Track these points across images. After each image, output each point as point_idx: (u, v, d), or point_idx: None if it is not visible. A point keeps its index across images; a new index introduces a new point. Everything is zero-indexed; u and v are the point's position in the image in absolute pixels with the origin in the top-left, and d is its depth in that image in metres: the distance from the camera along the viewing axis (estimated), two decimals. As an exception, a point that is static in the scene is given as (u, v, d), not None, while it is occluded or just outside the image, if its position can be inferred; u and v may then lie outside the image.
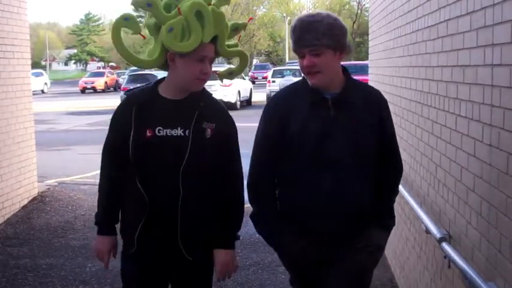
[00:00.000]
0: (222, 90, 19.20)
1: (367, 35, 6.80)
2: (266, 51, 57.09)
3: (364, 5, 47.75)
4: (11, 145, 6.44)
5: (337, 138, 2.30)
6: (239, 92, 20.87)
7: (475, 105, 2.42)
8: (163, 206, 2.24)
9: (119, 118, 2.34)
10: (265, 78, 30.54)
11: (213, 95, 2.42)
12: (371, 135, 2.35)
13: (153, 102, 2.28)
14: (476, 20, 2.39)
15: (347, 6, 53.85)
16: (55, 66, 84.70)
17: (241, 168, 2.37)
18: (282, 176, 2.41)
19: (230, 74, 2.48)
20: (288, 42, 44.58)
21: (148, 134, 2.24)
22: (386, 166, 2.45)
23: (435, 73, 3.17)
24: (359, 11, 49.24)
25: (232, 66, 2.43)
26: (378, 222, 2.43)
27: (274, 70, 25.90)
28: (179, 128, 2.25)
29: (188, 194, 2.23)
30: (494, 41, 2.18)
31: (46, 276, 4.77)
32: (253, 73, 39.13)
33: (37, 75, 34.94)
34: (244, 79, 23.31)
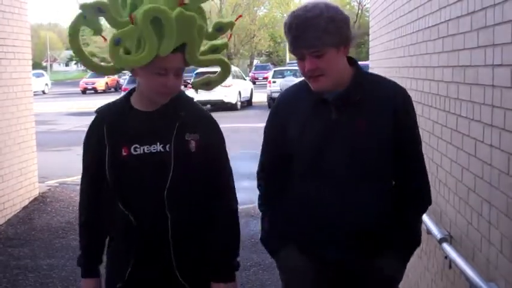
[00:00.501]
0: (222, 91, 19.20)
1: (368, 35, 6.79)
2: (267, 52, 57.09)
3: (364, 5, 47.78)
4: (11, 146, 6.45)
5: (337, 145, 1.99)
6: (240, 92, 20.87)
7: (476, 106, 2.42)
8: (152, 231, 1.97)
9: (92, 139, 2.07)
10: (265, 78, 30.53)
11: (195, 100, 2.12)
12: (383, 142, 1.97)
13: (126, 117, 2.01)
14: (477, 20, 2.39)
15: (347, 6, 53.84)
16: (56, 67, 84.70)
17: (232, 180, 2.11)
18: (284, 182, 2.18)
19: (207, 85, 2.10)
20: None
21: (123, 153, 1.97)
22: (406, 178, 2.07)
23: (436, 73, 3.16)
24: (360, 11, 49.25)
25: (211, 75, 2.10)
26: (394, 247, 2.06)
27: (274, 71, 25.89)
28: (158, 144, 1.96)
29: (178, 218, 1.96)
30: (495, 41, 2.18)
31: (47, 277, 4.77)
32: (254, 73, 39.13)
33: (38, 76, 34.93)
34: (245, 79, 23.31)
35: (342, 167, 1.98)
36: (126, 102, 2.05)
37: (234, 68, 23.09)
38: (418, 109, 3.68)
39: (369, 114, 1.97)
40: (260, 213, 2.30)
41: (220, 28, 2.01)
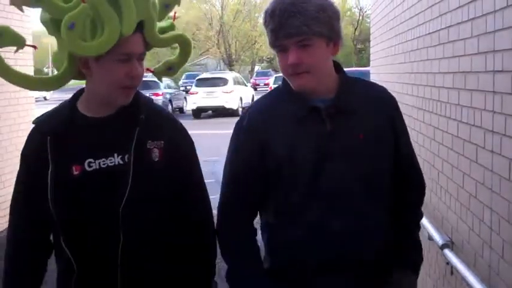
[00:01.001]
0: (224, 97, 19.23)
1: (369, 41, 6.81)
2: (268, 58, 57.16)
3: (365, 11, 47.88)
4: (13, 151, 6.45)
5: (337, 160, 1.68)
6: (241, 98, 20.90)
7: (477, 112, 2.42)
8: (98, 265, 1.63)
9: (30, 157, 1.67)
10: (266, 84, 30.60)
11: (154, 101, 1.80)
12: (384, 148, 1.75)
13: (74, 127, 1.64)
14: (478, 27, 2.39)
15: (348, 12, 53.93)
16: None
17: (206, 191, 1.77)
18: (268, 220, 1.79)
19: (169, 69, 1.78)
20: (289, 49, 44.65)
21: (75, 171, 1.60)
22: (404, 183, 1.85)
23: (437, 79, 3.17)
24: (360, 18, 49.36)
25: (170, 59, 1.79)
26: (402, 262, 1.84)
27: (276, 77, 25.97)
28: (116, 155, 1.61)
29: (131, 239, 1.60)
30: (495, 47, 2.18)
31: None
32: (255, 80, 39.19)
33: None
34: (246, 86, 23.35)
35: (345, 183, 1.68)
36: (72, 109, 1.68)
37: (235, 74, 23.16)
38: (419, 115, 3.68)
39: (365, 122, 1.72)
40: None
41: (168, 4, 1.71)
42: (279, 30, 1.63)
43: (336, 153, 1.68)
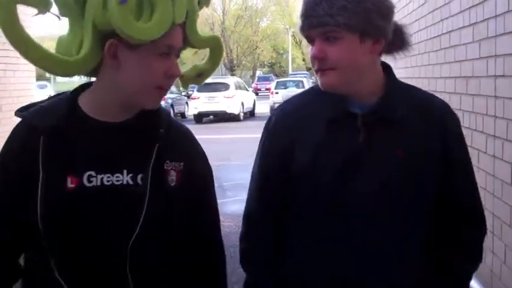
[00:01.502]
0: (225, 102, 19.26)
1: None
2: (269, 63, 57.27)
3: (367, 16, 47.89)
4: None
5: (367, 177, 1.41)
6: (242, 103, 20.91)
7: (479, 116, 2.42)
8: None
9: (15, 159, 1.28)
10: (268, 89, 30.64)
11: (198, 111, 1.44)
12: (427, 172, 1.43)
13: (75, 128, 1.30)
14: (479, 32, 2.39)
15: (350, 17, 54.04)
16: (59, 78, 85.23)
17: (217, 212, 1.54)
18: (284, 233, 1.57)
19: (199, 77, 1.51)
20: (291, 54, 44.79)
21: (70, 184, 1.26)
22: (456, 221, 1.49)
23: (438, 84, 3.17)
24: (362, 23, 49.46)
25: (198, 64, 1.53)
26: None
27: (277, 82, 25.97)
28: (125, 172, 1.30)
29: (140, 276, 1.31)
30: (497, 52, 2.18)
31: None
32: (257, 84, 39.25)
33: (42, 87, 35.01)
34: (248, 90, 23.38)
35: (376, 205, 1.41)
36: (72, 107, 1.32)
37: (236, 79, 23.20)
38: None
39: (408, 139, 1.42)
40: None
41: (199, 2, 1.41)
42: (305, 19, 1.42)
43: (365, 169, 1.41)
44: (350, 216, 1.41)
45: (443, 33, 3.01)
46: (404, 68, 4.30)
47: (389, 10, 1.43)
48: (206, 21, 44.89)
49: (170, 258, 1.39)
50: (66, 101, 1.33)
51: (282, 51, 55.31)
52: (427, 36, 3.45)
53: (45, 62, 1.27)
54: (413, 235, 1.44)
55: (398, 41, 1.50)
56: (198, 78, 1.51)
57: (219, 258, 1.53)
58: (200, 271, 1.48)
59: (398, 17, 3.72)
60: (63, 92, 1.39)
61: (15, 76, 6.60)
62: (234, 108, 20.21)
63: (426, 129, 1.43)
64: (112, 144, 1.31)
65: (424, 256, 1.46)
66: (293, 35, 39.99)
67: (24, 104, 1.42)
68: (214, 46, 1.47)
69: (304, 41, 1.56)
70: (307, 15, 1.40)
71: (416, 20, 3.78)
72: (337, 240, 1.43)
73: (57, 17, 1.33)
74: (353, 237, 1.42)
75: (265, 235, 1.58)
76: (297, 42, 43.46)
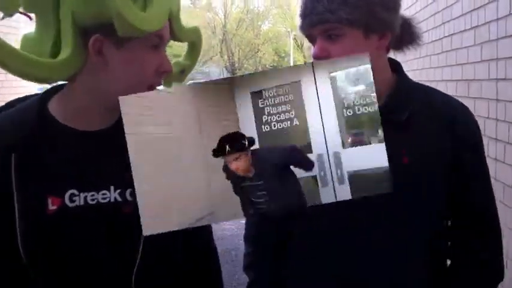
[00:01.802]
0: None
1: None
2: (270, 66, 57.35)
3: (368, 19, 47.95)
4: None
5: None
6: (244, 106, 20.96)
7: (480, 120, 2.41)
8: None
9: None
10: (270, 92, 30.69)
11: None
12: (434, 174, 1.33)
13: (49, 140, 1.11)
14: (481, 35, 2.39)
15: (351, 21, 54.18)
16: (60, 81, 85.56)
17: (213, 238, 1.47)
18: (287, 234, 1.54)
19: (182, 73, 1.42)
20: (292, 57, 44.89)
21: (51, 206, 1.09)
22: (469, 242, 1.41)
23: (440, 87, 3.17)
24: (363, 26, 49.53)
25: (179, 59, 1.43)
26: None
27: (278, 85, 26.08)
28: (112, 189, 1.13)
29: None
30: (498, 55, 2.18)
31: None
32: (258, 88, 39.32)
33: (41, 90, 35.31)
34: (249, 94, 23.41)
35: (376, 205, 1.31)
36: (42, 114, 1.13)
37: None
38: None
39: (417, 144, 1.33)
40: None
41: None
42: (305, 18, 1.34)
43: None
44: (354, 217, 1.34)
45: (445, 36, 3.01)
46: (405, 71, 4.30)
47: (394, 2, 1.33)
48: (208, 24, 44.97)
49: (170, 269, 1.27)
50: (36, 109, 1.14)
51: (283, 54, 55.37)
52: (428, 39, 3.45)
53: (25, 67, 1.05)
54: (418, 235, 1.35)
55: (407, 35, 1.41)
56: (181, 75, 1.40)
57: (214, 265, 1.50)
58: (197, 278, 1.43)
59: (399, 20, 3.54)
60: (30, 96, 1.21)
61: (17, 79, 6.62)
62: (236, 111, 20.23)
63: (439, 135, 1.33)
64: (93, 157, 1.12)
65: (429, 256, 1.38)
66: (295, 38, 40.05)
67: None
68: (197, 38, 1.37)
69: (306, 44, 1.53)
70: (307, 13, 1.32)
71: (418, 23, 3.78)
72: (341, 240, 1.36)
73: (29, 17, 1.15)
74: (357, 238, 1.35)
75: (268, 238, 1.54)
76: (298, 46, 43.52)
